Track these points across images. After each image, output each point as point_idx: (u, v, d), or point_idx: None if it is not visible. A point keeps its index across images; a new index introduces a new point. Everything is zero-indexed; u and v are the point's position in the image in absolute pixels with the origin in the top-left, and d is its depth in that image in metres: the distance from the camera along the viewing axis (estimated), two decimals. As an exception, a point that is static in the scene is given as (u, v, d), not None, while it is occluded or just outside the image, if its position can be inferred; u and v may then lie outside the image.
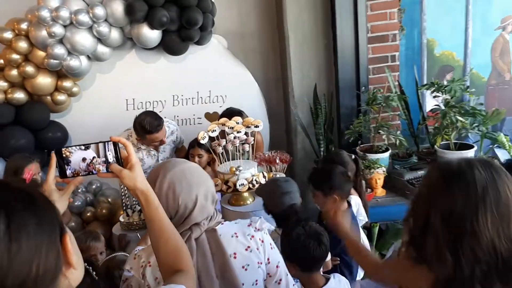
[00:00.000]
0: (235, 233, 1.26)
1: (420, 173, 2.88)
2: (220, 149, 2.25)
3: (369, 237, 2.84)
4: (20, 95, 3.10)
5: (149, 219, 1.01)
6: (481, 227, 0.95)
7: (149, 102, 3.43)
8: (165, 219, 1.03)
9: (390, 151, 3.00)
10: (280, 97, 3.84)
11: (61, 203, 0.98)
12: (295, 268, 1.63)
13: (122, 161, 1.00)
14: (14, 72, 3.03)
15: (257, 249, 1.26)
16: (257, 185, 2.24)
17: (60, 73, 3.15)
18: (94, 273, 1.39)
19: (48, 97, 3.19)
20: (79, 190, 3.34)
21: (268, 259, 1.28)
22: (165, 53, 3.30)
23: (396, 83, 3.23)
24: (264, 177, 2.30)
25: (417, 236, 1.04)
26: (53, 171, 1.00)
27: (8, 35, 2.98)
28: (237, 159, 2.32)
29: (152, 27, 3.04)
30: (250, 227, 1.29)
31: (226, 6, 3.56)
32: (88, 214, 3.20)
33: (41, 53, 3.02)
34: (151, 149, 2.77)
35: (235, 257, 1.22)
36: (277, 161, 2.39)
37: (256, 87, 3.51)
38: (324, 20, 3.25)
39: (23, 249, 0.56)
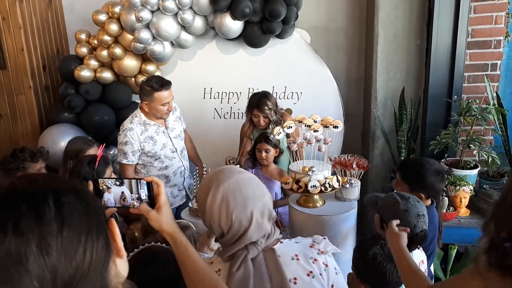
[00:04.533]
0: (296, 255, 1.15)
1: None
2: (295, 147, 2.15)
3: (445, 259, 2.60)
4: (107, 75, 3.27)
5: (180, 260, 1.03)
6: None
7: (225, 92, 3.44)
8: (197, 258, 1.02)
9: (479, 169, 2.70)
10: (360, 98, 3.63)
11: None
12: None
13: (155, 198, 1.05)
14: (105, 52, 3.19)
15: (321, 274, 1.13)
16: (329, 189, 2.11)
17: (145, 57, 3.27)
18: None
19: (132, 79, 3.34)
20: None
21: (332, 286, 1.15)
22: (244, 45, 3.29)
23: (494, 94, 2.90)
24: (338, 181, 2.16)
25: (499, 245, 0.86)
26: None
27: (103, 17, 3.15)
28: (310, 158, 2.21)
29: (235, 17, 3.03)
30: (312, 249, 1.17)
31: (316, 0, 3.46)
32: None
33: (129, 36, 3.15)
34: (160, 125, 2.69)
35: (295, 283, 1.11)
36: (354, 166, 2.23)
37: (334, 86, 3.35)
38: (420, 18, 2.99)
39: (76, 232, 0.56)
